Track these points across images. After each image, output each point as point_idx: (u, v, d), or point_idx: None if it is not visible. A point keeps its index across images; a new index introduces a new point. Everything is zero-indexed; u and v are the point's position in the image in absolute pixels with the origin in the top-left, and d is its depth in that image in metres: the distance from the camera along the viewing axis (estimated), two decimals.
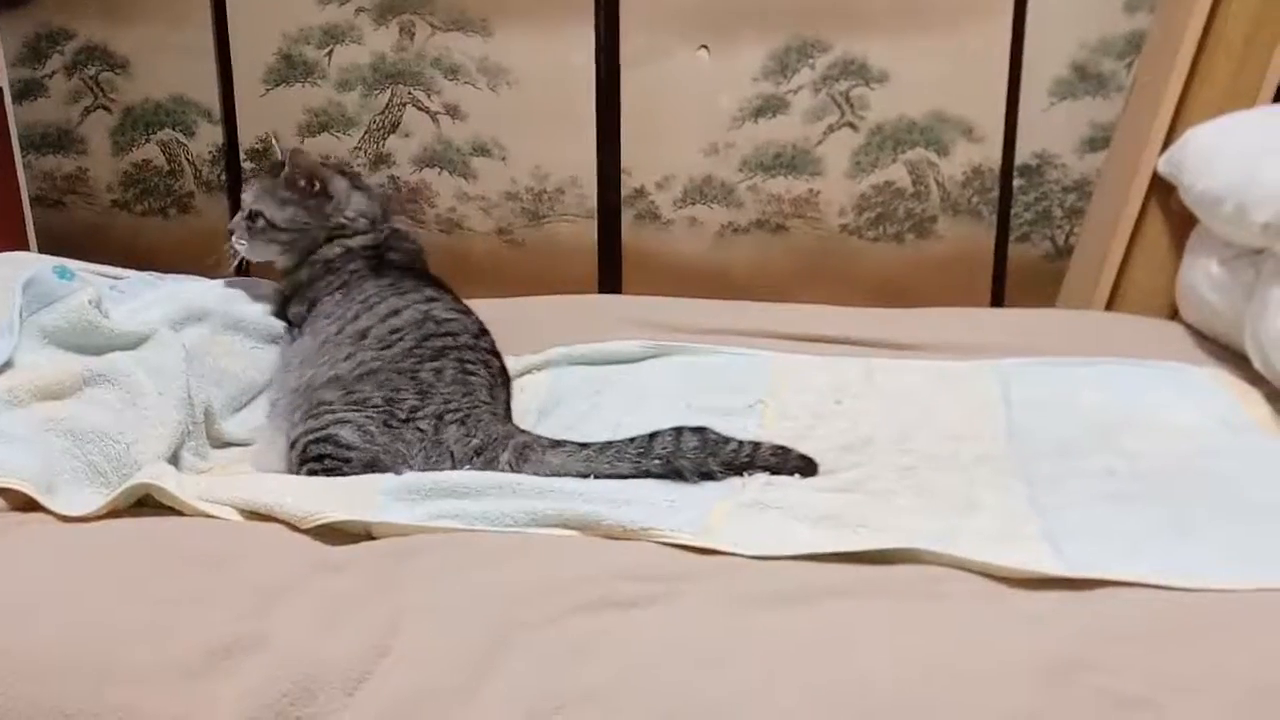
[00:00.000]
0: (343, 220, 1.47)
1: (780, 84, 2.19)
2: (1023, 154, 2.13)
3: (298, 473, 1.17)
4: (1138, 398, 1.31)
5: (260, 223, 1.46)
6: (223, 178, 2.48)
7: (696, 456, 1.12)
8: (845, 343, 1.58)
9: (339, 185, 1.48)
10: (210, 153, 2.47)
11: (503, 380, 1.33)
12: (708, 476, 1.11)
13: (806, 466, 1.13)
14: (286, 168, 1.46)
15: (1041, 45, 2.07)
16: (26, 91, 2.46)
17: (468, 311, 1.39)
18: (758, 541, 0.93)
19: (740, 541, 0.93)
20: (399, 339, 1.27)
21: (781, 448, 1.14)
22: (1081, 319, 1.77)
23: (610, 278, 2.38)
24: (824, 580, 0.87)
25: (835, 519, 0.99)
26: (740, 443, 1.14)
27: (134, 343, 1.25)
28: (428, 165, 2.39)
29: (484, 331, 1.36)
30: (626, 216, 2.34)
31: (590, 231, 2.36)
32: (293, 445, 1.18)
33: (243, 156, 2.46)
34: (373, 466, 1.14)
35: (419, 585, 0.85)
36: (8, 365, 1.19)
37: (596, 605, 0.82)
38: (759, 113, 2.22)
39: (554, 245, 2.38)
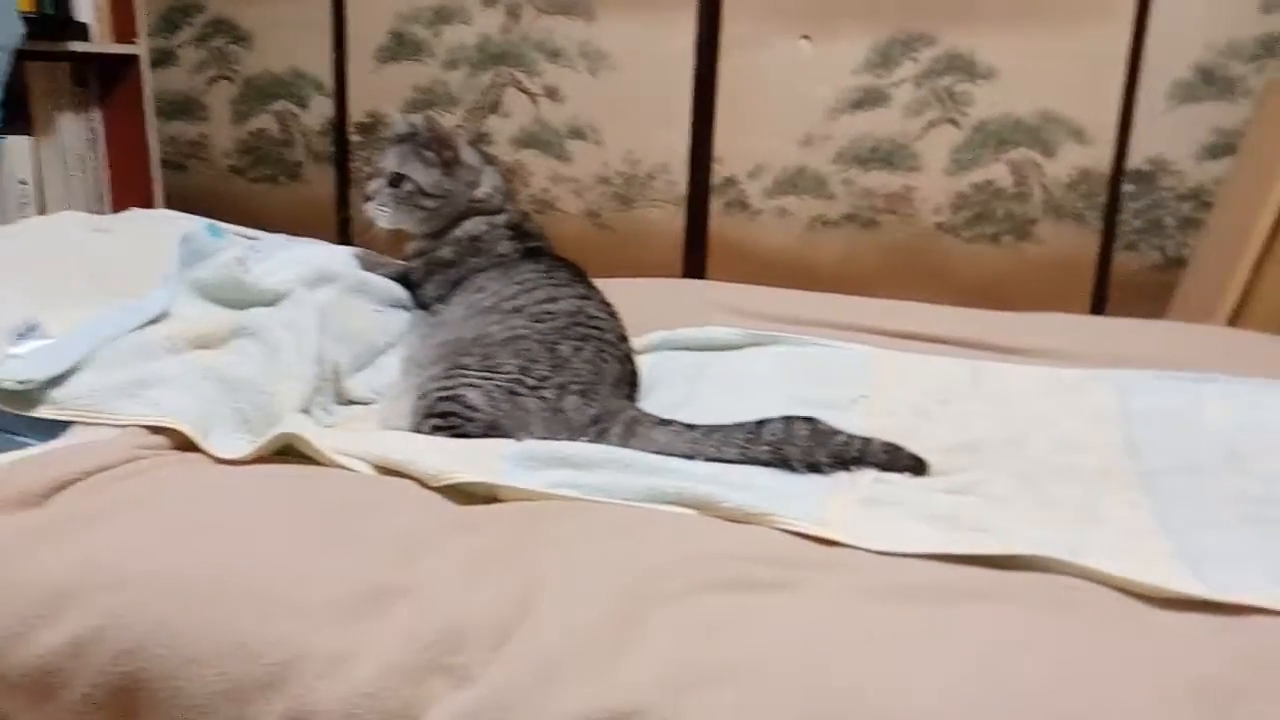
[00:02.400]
0: (480, 195, 1.49)
1: (881, 76, 2.20)
2: (1135, 159, 2.11)
3: (421, 425, 1.22)
4: (1268, 418, 1.26)
5: (406, 187, 1.47)
6: (330, 149, 2.57)
7: (806, 447, 1.13)
8: (945, 342, 1.57)
9: (471, 155, 1.51)
10: (320, 125, 2.56)
11: (631, 381, 1.35)
12: (815, 468, 1.12)
13: (917, 466, 1.13)
14: (422, 132, 1.48)
15: (1164, 46, 2.04)
16: (160, 60, 2.58)
17: (614, 315, 1.41)
18: (882, 537, 0.93)
19: (864, 535, 0.94)
20: (551, 318, 1.30)
21: (892, 445, 1.14)
22: (1202, 333, 1.71)
23: (695, 265, 2.42)
24: (955, 581, 0.87)
25: (952, 521, 0.99)
26: (850, 436, 1.14)
27: (273, 300, 1.32)
28: (525, 146, 2.45)
29: (625, 338, 1.39)
30: (715, 204, 2.38)
31: (678, 218, 2.40)
32: (423, 398, 1.23)
33: (350, 129, 2.55)
34: (493, 429, 1.19)
35: (554, 549, 0.89)
36: (165, 315, 1.26)
37: (728, 585, 0.84)
38: (858, 105, 2.23)
39: (641, 230, 2.42)
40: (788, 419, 1.17)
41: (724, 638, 0.79)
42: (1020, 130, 2.14)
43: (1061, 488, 1.11)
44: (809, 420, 1.17)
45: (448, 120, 2.46)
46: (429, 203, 1.47)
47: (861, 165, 2.26)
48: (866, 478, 1.11)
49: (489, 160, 1.55)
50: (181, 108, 2.63)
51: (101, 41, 2.37)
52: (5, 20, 2.01)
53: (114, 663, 0.77)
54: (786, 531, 0.96)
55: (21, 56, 2.07)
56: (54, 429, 1.08)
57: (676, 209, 2.39)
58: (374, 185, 1.50)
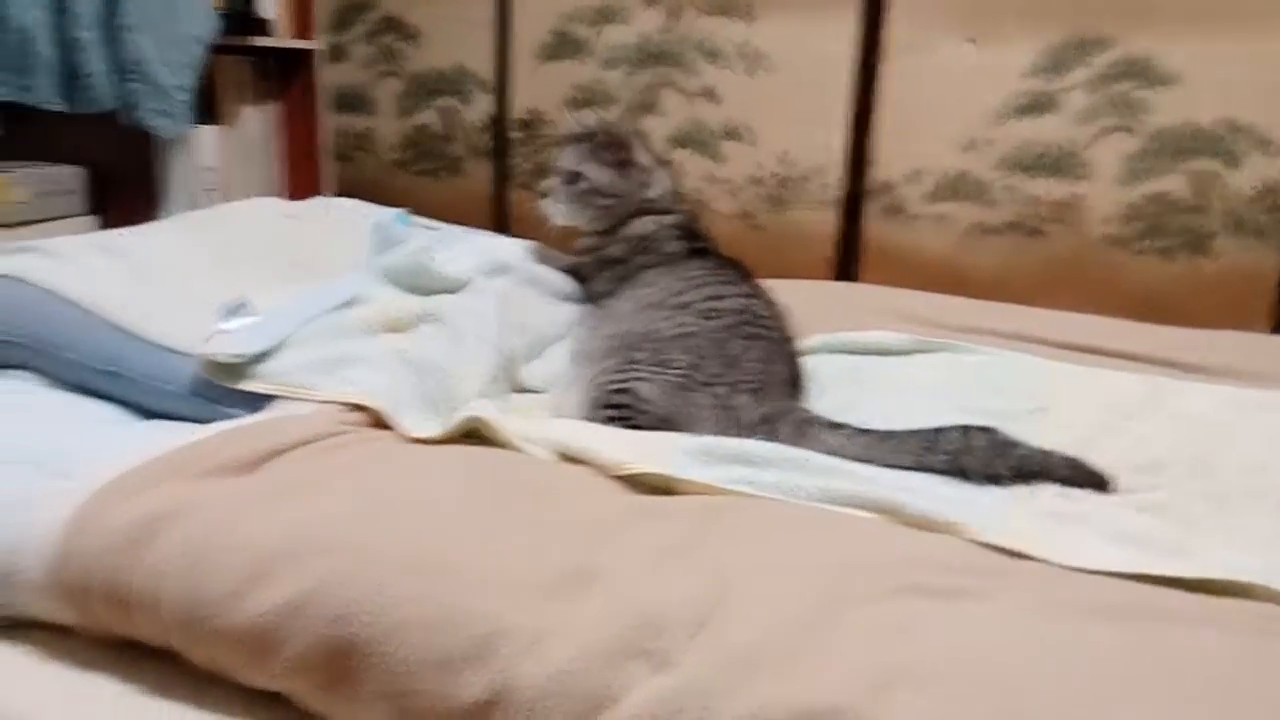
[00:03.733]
0: (651, 195, 1.52)
1: (1052, 81, 2.13)
2: None
3: (594, 415, 1.24)
4: None
5: (582, 184, 1.51)
6: (490, 145, 2.64)
7: (985, 457, 1.11)
8: (1120, 357, 1.53)
9: (645, 157, 1.54)
10: (482, 121, 2.63)
11: (799, 381, 1.35)
12: (993, 480, 1.10)
13: (1101, 482, 1.11)
14: (599, 134, 1.52)
15: None
16: (333, 55, 2.69)
17: (781, 315, 1.41)
18: (1072, 552, 0.92)
19: (1053, 549, 0.92)
20: (719, 316, 1.32)
21: (1075, 460, 1.12)
22: None
23: (847, 268, 2.39)
24: (1151, 602, 0.85)
25: (1143, 540, 0.96)
26: (1031, 449, 1.12)
27: (456, 288, 1.37)
28: (679, 145, 2.46)
29: (792, 339, 1.39)
30: (871, 208, 2.34)
31: (831, 221, 2.38)
32: (596, 389, 1.26)
33: (510, 126, 2.61)
34: (665, 423, 1.21)
35: (741, 544, 0.90)
36: (357, 298, 1.32)
37: (920, 590, 0.84)
38: (1025, 110, 2.16)
39: (793, 232, 2.41)
40: (965, 428, 1.15)
41: (920, 641, 0.79)
42: (1201, 139, 2.04)
43: (1253, 511, 1.07)
44: (988, 430, 1.15)
45: (606, 119, 2.50)
46: (603, 201, 1.51)
47: (1026, 172, 2.19)
48: (1047, 492, 1.09)
49: (662, 162, 1.57)
50: (351, 102, 2.74)
51: (282, 37, 2.50)
52: (201, 15, 2.13)
53: (327, 625, 0.81)
54: (972, 541, 0.95)
55: (211, 51, 2.19)
56: (258, 402, 1.15)
57: (830, 212, 2.37)
58: (550, 182, 1.54)
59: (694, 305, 1.35)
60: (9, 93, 2.13)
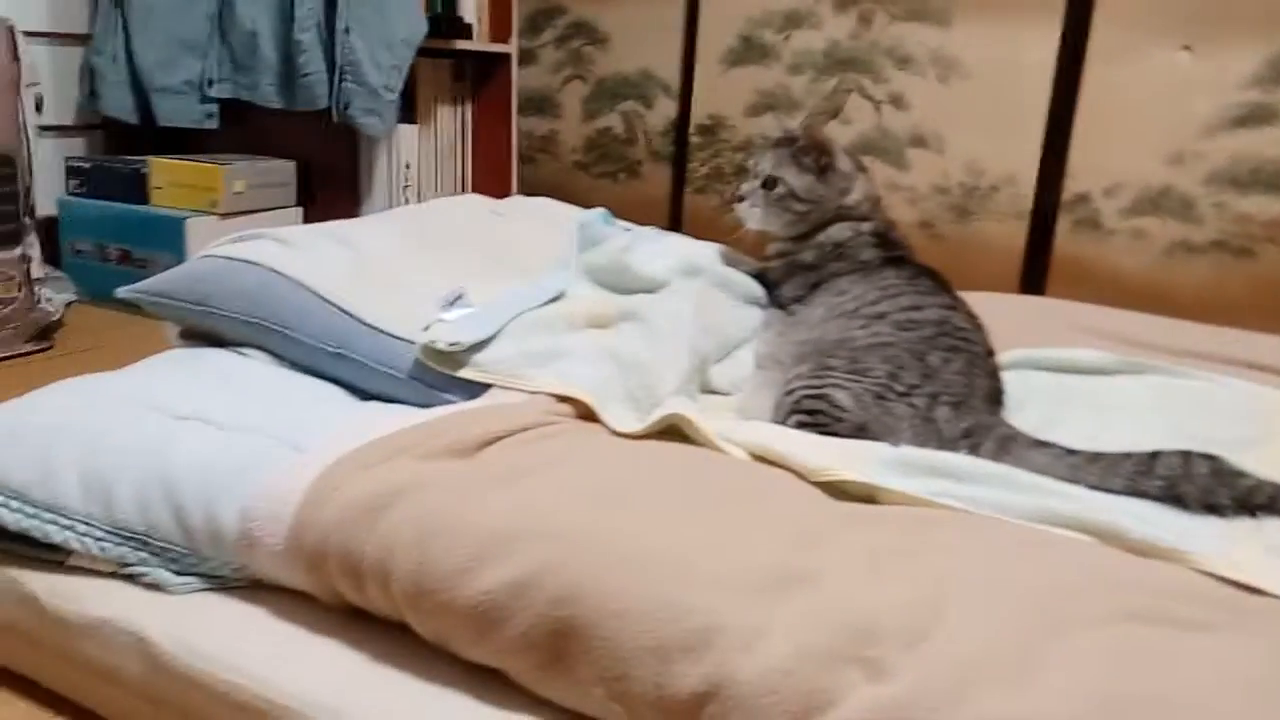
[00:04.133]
0: (850, 202, 1.51)
1: (1272, 92, 2.01)
2: None
3: (785, 421, 1.24)
4: None
5: (779, 190, 1.50)
6: (670, 149, 2.67)
7: (1206, 485, 1.06)
8: None
9: (846, 163, 1.53)
10: (663, 125, 2.66)
11: (999, 396, 1.32)
12: (1213, 510, 1.05)
13: None
14: (800, 139, 1.51)
15: None
16: (523, 59, 2.78)
17: (980, 328, 1.38)
18: None
19: None
20: (917, 327, 1.30)
21: None
22: None
23: (1034, 282, 2.32)
24: None
25: None
26: (1259, 480, 1.07)
27: (653, 288, 1.40)
28: (863, 152, 2.42)
29: (992, 352, 1.36)
30: (1063, 222, 2.26)
31: (1019, 233, 2.31)
32: (789, 394, 1.25)
33: (692, 130, 2.63)
34: (861, 432, 1.19)
35: (955, 557, 0.88)
36: (563, 294, 1.37)
37: (1143, 617, 0.81)
38: (1241, 122, 2.05)
39: (977, 243, 2.35)
40: (1186, 454, 1.10)
41: (1146, 671, 0.76)
42: None
43: None
44: (1210, 458, 1.09)
45: (788, 125, 2.49)
46: (800, 207, 1.50)
47: (1239, 189, 2.08)
48: (1275, 525, 1.03)
49: (861, 168, 1.56)
50: (537, 104, 2.82)
51: (481, 41, 2.59)
52: (412, 19, 2.24)
53: (550, 606, 0.84)
54: (1199, 571, 0.91)
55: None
56: (473, 390, 1.20)
57: (1018, 223, 2.30)
58: (747, 186, 1.54)
59: (890, 315, 1.33)
60: (234, 90, 2.30)
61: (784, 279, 1.55)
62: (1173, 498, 1.07)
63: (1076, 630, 0.79)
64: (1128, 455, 1.11)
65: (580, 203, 2.04)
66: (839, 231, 1.50)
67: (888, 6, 2.35)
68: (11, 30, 1.81)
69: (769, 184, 1.51)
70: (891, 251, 1.51)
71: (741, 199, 1.53)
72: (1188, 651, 0.78)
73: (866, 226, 1.51)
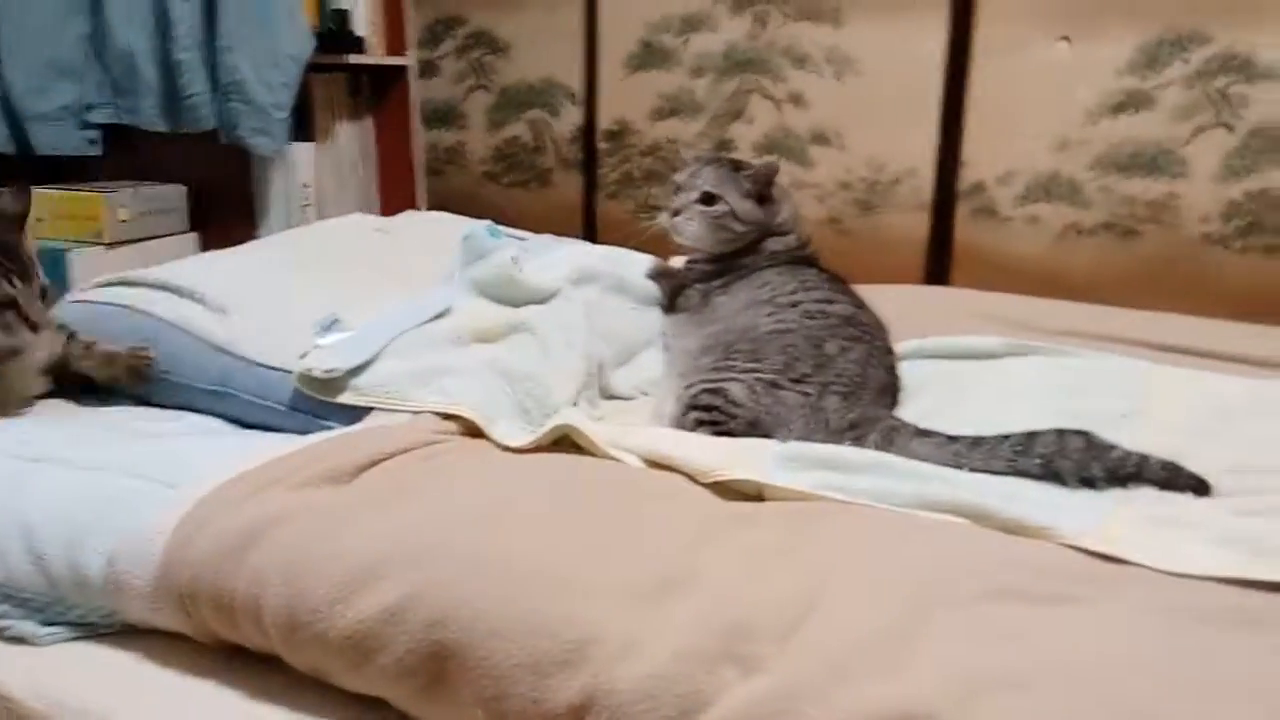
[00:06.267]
0: (778, 221, 1.52)
1: (1147, 78, 2.07)
2: None
3: (684, 416, 1.25)
4: None
5: (719, 207, 1.49)
6: (579, 156, 2.67)
7: (1080, 461, 1.10)
8: (1219, 358, 1.48)
9: (778, 189, 1.54)
10: (571, 132, 2.66)
11: (894, 392, 1.35)
12: (1088, 483, 1.09)
13: (1199, 486, 1.08)
14: (755, 171, 1.51)
15: None
16: (424, 71, 2.75)
17: (883, 328, 1.41)
18: (1173, 557, 0.89)
19: (1152, 554, 0.90)
20: (824, 317, 1.32)
21: (1172, 463, 1.10)
22: None
23: (938, 272, 2.36)
24: (1261, 608, 0.82)
25: (1251, 545, 0.92)
26: (1127, 452, 1.10)
27: (544, 298, 1.39)
28: (767, 152, 2.45)
29: (892, 351, 1.39)
30: (962, 211, 2.31)
31: (921, 224, 2.34)
32: (688, 388, 1.26)
33: (598, 137, 2.63)
34: (754, 426, 1.21)
35: (831, 549, 0.90)
36: (448, 310, 1.35)
37: (1014, 595, 0.83)
38: (1119, 108, 2.11)
39: (883, 236, 2.38)
40: (1060, 431, 1.14)
41: (1015, 647, 0.78)
42: None
43: None
44: (1083, 434, 1.13)
45: (691, 127, 2.51)
46: (739, 227, 1.50)
47: (1121, 172, 2.13)
48: (1145, 496, 1.07)
49: (784, 191, 1.58)
50: (442, 116, 2.79)
51: (375, 54, 2.56)
52: (297, 34, 2.20)
53: (425, 631, 0.83)
54: (1068, 546, 0.93)
55: (305, 69, 2.25)
56: (353, 414, 1.18)
57: (919, 215, 2.34)
58: (682, 199, 1.52)
59: (803, 305, 1.35)
60: (114, 115, 2.23)
61: (703, 277, 1.54)
62: (1051, 474, 1.11)
63: (947, 612, 0.81)
64: (1006, 437, 1.14)
65: (492, 213, 2.02)
66: (768, 245, 1.52)
67: (781, 7, 2.38)
68: None
69: (707, 199, 1.49)
70: (811, 259, 1.53)
71: (678, 212, 1.52)
72: (1049, 625, 0.80)
73: (792, 240, 1.53)
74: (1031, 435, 1.13)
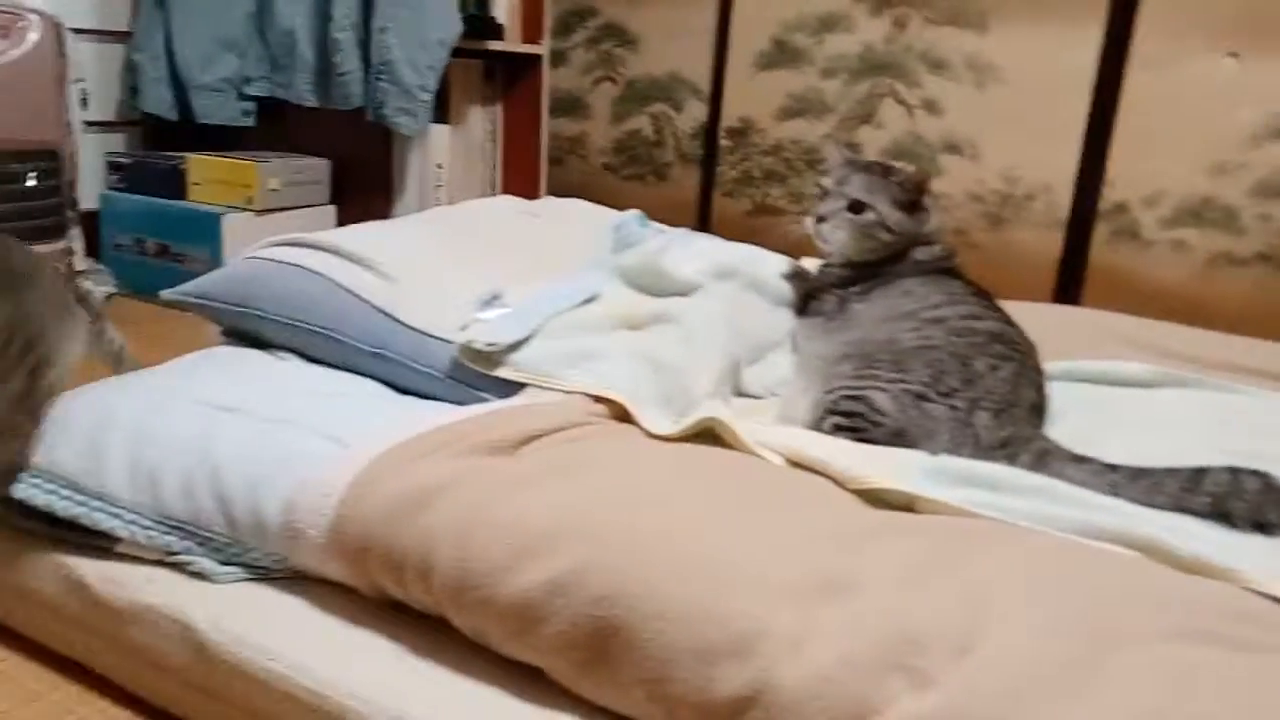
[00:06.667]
0: (926, 231, 1.48)
1: None
2: None
3: (822, 422, 1.22)
4: None
5: (869, 216, 1.43)
6: (699, 152, 2.67)
7: (1256, 502, 1.04)
8: None
9: (928, 199, 1.49)
10: (693, 128, 2.66)
11: (1043, 413, 1.30)
12: (1263, 528, 1.03)
13: None
14: (906, 179, 1.45)
15: None
16: (554, 60, 2.78)
17: (1033, 347, 1.35)
18: None
19: None
20: (971, 334, 1.28)
21: None
22: None
23: (1069, 292, 2.29)
24: None
25: None
26: None
27: (687, 291, 1.39)
28: (894, 158, 2.41)
29: (1041, 370, 1.33)
30: (1101, 231, 2.24)
31: (1053, 242, 2.29)
32: (829, 393, 1.24)
33: (721, 134, 2.62)
34: (899, 437, 1.18)
35: (997, 568, 0.87)
36: (597, 295, 1.36)
37: (1194, 636, 0.79)
38: None
39: (1011, 251, 2.33)
40: (1234, 470, 1.08)
41: (1196, 690, 0.74)
42: None
43: None
44: (1259, 475, 1.07)
45: (817, 129, 2.49)
46: (887, 237, 1.44)
47: None
48: None
49: (933, 199, 1.53)
50: (567, 106, 2.82)
51: (512, 41, 2.60)
52: (447, 19, 2.24)
53: (591, 606, 0.83)
54: (1249, 590, 0.89)
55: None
56: (506, 388, 1.20)
57: (1054, 232, 2.28)
58: (829, 206, 1.46)
59: (949, 321, 1.31)
60: (270, 89, 2.31)
61: (841, 282, 1.49)
62: (1220, 514, 1.05)
63: (1124, 648, 0.78)
64: (1172, 471, 1.09)
65: (608, 205, 2.04)
66: (914, 254, 1.47)
67: (923, 10, 2.34)
68: (59, 27, 1.82)
69: (856, 208, 1.44)
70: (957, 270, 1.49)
71: (823, 219, 1.46)
72: (1243, 673, 0.76)
73: (938, 249, 1.49)
74: (1201, 471, 1.08)
